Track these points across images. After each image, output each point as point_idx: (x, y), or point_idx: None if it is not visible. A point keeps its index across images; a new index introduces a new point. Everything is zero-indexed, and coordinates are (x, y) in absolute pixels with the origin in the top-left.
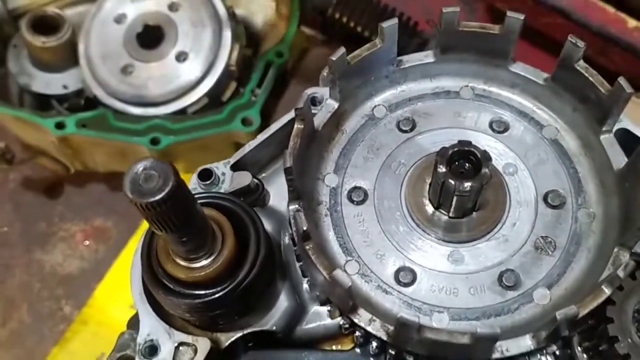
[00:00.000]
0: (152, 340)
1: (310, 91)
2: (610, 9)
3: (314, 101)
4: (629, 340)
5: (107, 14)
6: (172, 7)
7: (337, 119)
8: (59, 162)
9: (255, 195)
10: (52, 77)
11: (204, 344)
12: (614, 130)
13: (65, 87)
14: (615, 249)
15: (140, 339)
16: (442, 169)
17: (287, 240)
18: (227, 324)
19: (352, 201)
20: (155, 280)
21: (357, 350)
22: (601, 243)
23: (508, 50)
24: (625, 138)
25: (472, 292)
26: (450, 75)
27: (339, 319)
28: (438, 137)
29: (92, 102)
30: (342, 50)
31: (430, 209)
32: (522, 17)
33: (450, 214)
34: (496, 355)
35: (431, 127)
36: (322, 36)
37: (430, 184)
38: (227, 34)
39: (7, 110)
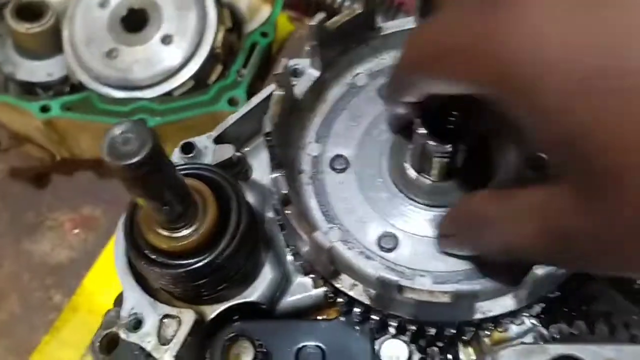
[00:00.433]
0: (136, 314)
1: (292, 62)
2: None
3: (295, 73)
4: (611, 297)
5: None
6: None
7: (318, 88)
8: (45, 149)
9: (237, 168)
10: (37, 65)
11: (188, 316)
12: None
13: (49, 74)
14: None
15: (124, 312)
16: (421, 131)
17: (270, 214)
18: (212, 295)
19: (334, 169)
20: (137, 252)
21: (342, 318)
22: None
23: None
24: None
25: (454, 255)
26: None
27: (323, 288)
28: None
29: (78, 89)
30: (322, 15)
31: (412, 173)
32: None
33: (433, 178)
34: (478, 315)
35: None
36: (307, 18)
37: (411, 149)
38: (212, 17)
39: None
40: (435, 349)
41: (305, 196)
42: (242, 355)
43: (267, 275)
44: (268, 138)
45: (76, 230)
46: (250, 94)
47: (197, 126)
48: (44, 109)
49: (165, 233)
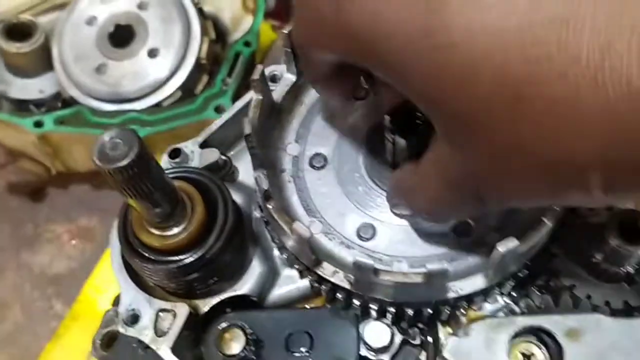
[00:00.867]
0: (133, 309)
1: (270, 69)
2: None
3: (274, 78)
4: (574, 272)
5: (78, 17)
6: (142, 6)
7: (295, 92)
8: (40, 164)
9: (223, 171)
10: (28, 83)
11: (182, 309)
12: None
13: (41, 91)
14: None
15: (122, 309)
16: (391, 126)
17: (257, 213)
18: (204, 290)
19: (313, 167)
20: (132, 250)
21: (327, 305)
22: None
23: None
24: None
25: (429, 241)
26: None
27: (308, 278)
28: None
29: (69, 104)
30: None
31: (386, 167)
32: None
33: None
34: (452, 294)
35: None
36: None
37: (384, 144)
38: (196, 29)
39: None
40: (416, 329)
41: (287, 193)
42: (234, 344)
43: (255, 269)
44: (249, 140)
45: (74, 241)
46: (236, 101)
47: (186, 135)
48: (38, 124)
49: (156, 232)
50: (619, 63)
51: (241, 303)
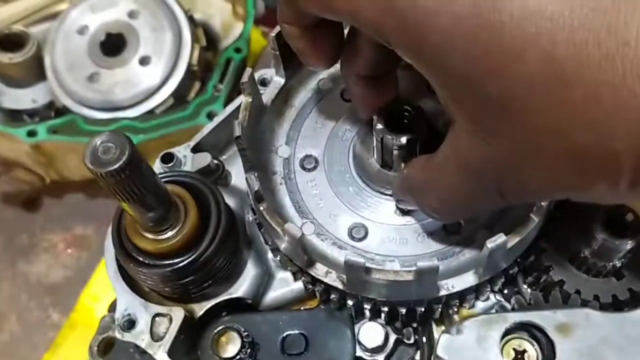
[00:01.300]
0: (129, 314)
1: (259, 72)
2: None
3: (263, 82)
4: (563, 267)
5: (69, 26)
6: (132, 15)
7: (285, 95)
8: (35, 173)
9: (216, 174)
10: (21, 93)
11: (178, 314)
12: None
13: (34, 101)
14: None
15: (118, 314)
16: (379, 126)
17: (250, 216)
18: (199, 293)
19: (304, 169)
20: (126, 255)
21: (322, 306)
22: None
23: None
24: None
25: (420, 240)
26: None
27: (301, 279)
28: None
29: (62, 113)
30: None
31: (376, 167)
32: None
33: (394, 170)
34: (443, 292)
35: None
36: None
37: (373, 145)
38: (187, 36)
39: None
40: (410, 329)
41: (279, 195)
42: (230, 347)
43: (250, 272)
44: (239, 142)
45: (69, 250)
46: None
47: (179, 141)
48: (31, 134)
49: (150, 236)
50: None
51: (236, 306)
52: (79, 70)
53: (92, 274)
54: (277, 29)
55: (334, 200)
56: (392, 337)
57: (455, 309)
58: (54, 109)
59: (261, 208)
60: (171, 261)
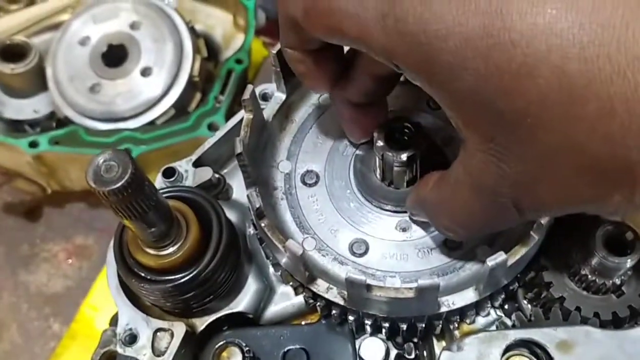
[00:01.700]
0: (131, 329)
1: (260, 88)
2: None
3: (265, 97)
4: (563, 284)
5: (71, 37)
6: (134, 26)
7: (286, 110)
8: (36, 184)
9: (218, 189)
10: (23, 103)
11: (180, 329)
12: None
13: (36, 111)
14: None
15: (120, 329)
16: (380, 143)
17: (251, 230)
18: (201, 308)
19: (305, 184)
20: (128, 270)
21: (323, 321)
22: None
23: None
24: None
25: (421, 255)
26: None
27: (302, 294)
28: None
29: (64, 123)
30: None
31: (376, 183)
32: None
33: (394, 186)
34: (444, 308)
35: None
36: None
37: (374, 161)
38: (188, 47)
39: None
40: (411, 344)
41: (280, 210)
42: None
43: (251, 287)
44: (240, 158)
45: (70, 260)
46: (229, 119)
47: (180, 152)
48: (33, 145)
49: (152, 252)
50: None
51: (237, 320)
52: (80, 81)
53: (92, 284)
54: (279, 45)
55: (334, 216)
56: (393, 353)
57: (456, 325)
58: (55, 120)
59: (262, 225)
60: (173, 277)
